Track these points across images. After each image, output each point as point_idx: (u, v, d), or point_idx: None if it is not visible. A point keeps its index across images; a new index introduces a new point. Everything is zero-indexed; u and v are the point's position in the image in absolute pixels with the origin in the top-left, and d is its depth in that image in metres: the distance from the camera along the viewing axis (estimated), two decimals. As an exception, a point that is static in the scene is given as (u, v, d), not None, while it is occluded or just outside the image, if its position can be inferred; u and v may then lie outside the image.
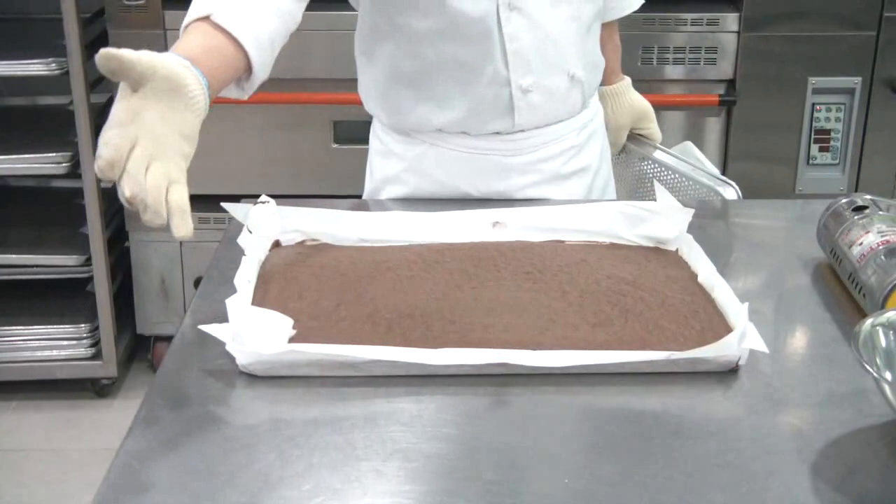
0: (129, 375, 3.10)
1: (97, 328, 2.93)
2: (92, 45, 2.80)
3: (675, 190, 1.80)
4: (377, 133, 1.71)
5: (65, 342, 2.94)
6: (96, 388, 3.00)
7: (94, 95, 2.81)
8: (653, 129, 1.88)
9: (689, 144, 1.92)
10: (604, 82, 1.78)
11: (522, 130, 1.61)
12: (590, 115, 1.71)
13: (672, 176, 1.82)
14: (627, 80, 1.87)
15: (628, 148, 1.90)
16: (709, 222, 1.58)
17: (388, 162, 1.69)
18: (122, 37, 2.77)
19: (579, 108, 1.66)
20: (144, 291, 3.03)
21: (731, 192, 1.74)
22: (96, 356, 2.94)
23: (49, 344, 2.93)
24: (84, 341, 2.94)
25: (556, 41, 1.57)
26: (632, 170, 1.90)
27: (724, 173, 2.69)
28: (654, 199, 1.47)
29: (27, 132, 2.97)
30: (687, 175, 1.79)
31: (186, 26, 1.28)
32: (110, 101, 3.27)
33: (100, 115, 2.87)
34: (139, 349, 3.16)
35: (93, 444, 2.81)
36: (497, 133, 1.61)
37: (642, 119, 1.87)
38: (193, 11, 1.29)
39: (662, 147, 1.88)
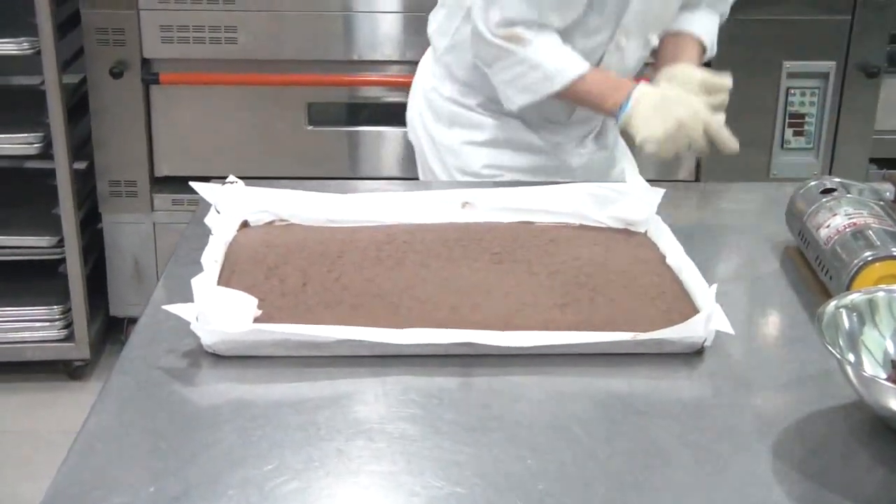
0: (103, 357, 3.07)
1: (69, 310, 2.91)
2: (64, 24, 2.77)
3: None
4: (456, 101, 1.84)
5: (37, 324, 2.91)
6: (69, 370, 2.98)
7: (67, 76, 2.78)
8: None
9: None
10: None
11: None
12: None
13: None
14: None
15: None
16: (679, 204, 1.58)
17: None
18: (95, 17, 2.74)
19: None
20: (117, 273, 3.00)
21: None
22: (69, 338, 2.92)
23: (21, 326, 2.90)
24: (56, 323, 2.91)
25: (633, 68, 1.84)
26: None
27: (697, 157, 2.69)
28: None
29: (-2, 112, 2.95)
30: None
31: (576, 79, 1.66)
32: (82, 82, 3.18)
33: (72, 96, 2.85)
34: (112, 331, 3.13)
35: (66, 425, 2.76)
36: None
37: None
38: (566, 75, 1.66)
39: None
